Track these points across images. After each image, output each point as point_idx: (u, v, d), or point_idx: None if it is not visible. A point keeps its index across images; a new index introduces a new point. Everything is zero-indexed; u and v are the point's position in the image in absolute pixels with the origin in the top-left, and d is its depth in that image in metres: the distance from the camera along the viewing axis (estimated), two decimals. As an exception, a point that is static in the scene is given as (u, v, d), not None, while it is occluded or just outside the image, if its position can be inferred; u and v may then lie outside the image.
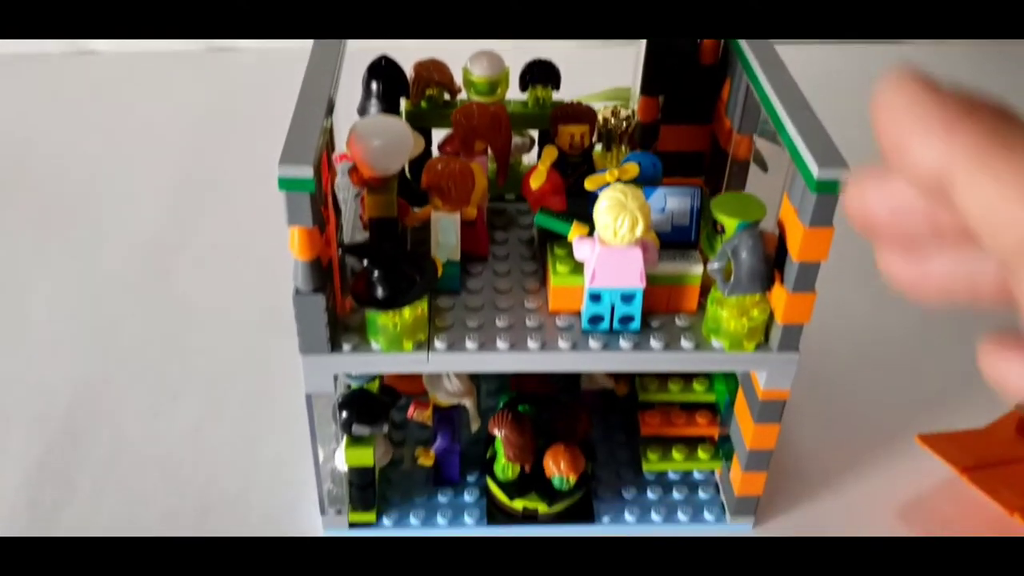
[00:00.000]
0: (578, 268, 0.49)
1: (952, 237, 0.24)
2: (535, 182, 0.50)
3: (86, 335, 0.70)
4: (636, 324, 0.49)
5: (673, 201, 0.49)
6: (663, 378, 0.59)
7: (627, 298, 0.48)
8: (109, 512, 0.57)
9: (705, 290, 0.50)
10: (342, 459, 0.54)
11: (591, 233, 0.47)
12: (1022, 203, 0.20)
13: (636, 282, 0.47)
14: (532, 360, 0.48)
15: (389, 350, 0.47)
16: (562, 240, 0.50)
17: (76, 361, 0.67)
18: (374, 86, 0.52)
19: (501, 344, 0.48)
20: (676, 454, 0.58)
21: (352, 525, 0.55)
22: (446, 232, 0.49)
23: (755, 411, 0.51)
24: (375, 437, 0.53)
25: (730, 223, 0.49)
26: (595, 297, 0.48)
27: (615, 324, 0.49)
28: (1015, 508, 0.56)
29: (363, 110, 0.53)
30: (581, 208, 0.50)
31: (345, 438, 0.52)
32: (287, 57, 1.02)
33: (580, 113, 0.52)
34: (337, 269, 0.48)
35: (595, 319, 0.49)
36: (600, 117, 0.56)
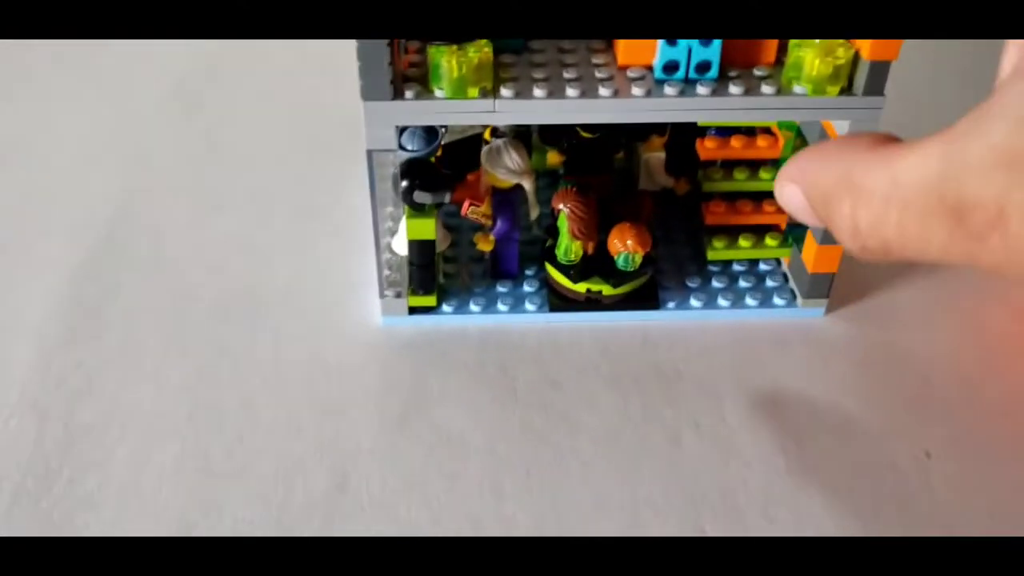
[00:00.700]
0: (650, 15, 0.46)
1: None
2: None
3: (121, 159, 0.68)
4: (714, 71, 0.46)
5: (751, -62, 0.46)
6: (729, 168, 0.57)
7: (705, 40, 0.45)
8: (155, 307, 0.55)
9: (783, 45, 0.48)
10: (401, 241, 0.52)
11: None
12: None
13: (715, 17, 0.44)
14: (604, 108, 0.46)
15: (453, 97, 0.45)
16: (630, -8, 0.47)
17: (113, 180, 0.66)
18: None
19: (571, 92, 0.45)
20: (743, 241, 0.56)
21: (412, 311, 0.53)
22: (509, -20, 0.46)
23: (834, 172, 0.49)
24: (436, 211, 0.50)
25: (814, -45, 0.46)
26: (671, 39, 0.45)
27: (691, 72, 0.46)
28: None
29: None
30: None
31: (406, 211, 0.50)
32: None
33: None
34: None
35: (670, 66, 0.46)
36: None
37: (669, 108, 0.46)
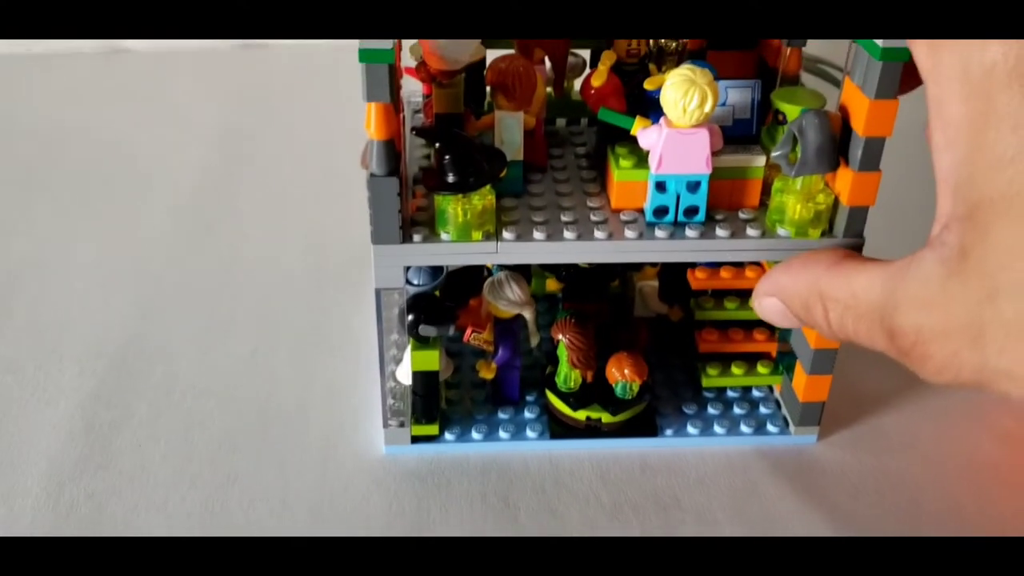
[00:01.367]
0: (641, 163, 0.49)
1: None
2: (596, 80, 0.51)
3: (133, 284, 0.70)
4: (701, 215, 0.49)
5: (734, 94, 0.50)
6: (719, 297, 0.59)
7: (693, 187, 0.48)
8: (167, 434, 0.57)
9: (766, 187, 0.51)
10: (405, 371, 0.54)
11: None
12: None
13: (703, 167, 0.47)
14: (599, 249, 0.48)
15: (459, 240, 0.48)
16: (623, 140, 0.51)
17: (126, 305, 0.68)
18: None
19: (568, 234, 0.48)
20: (736, 369, 0.58)
21: (415, 440, 0.55)
22: (510, 130, 0.50)
23: (819, 307, 0.51)
24: (439, 342, 0.53)
25: (792, 110, 0.49)
26: (660, 186, 0.48)
27: (680, 216, 0.49)
28: None
29: (423, 24, 0.54)
30: (640, 112, 0.50)
31: (410, 343, 0.52)
32: (317, 53, 1.09)
33: (637, 19, 0.53)
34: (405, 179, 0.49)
35: (660, 211, 0.49)
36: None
37: (660, 250, 0.49)
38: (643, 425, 0.56)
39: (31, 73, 1.05)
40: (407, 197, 0.49)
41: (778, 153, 0.47)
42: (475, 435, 0.56)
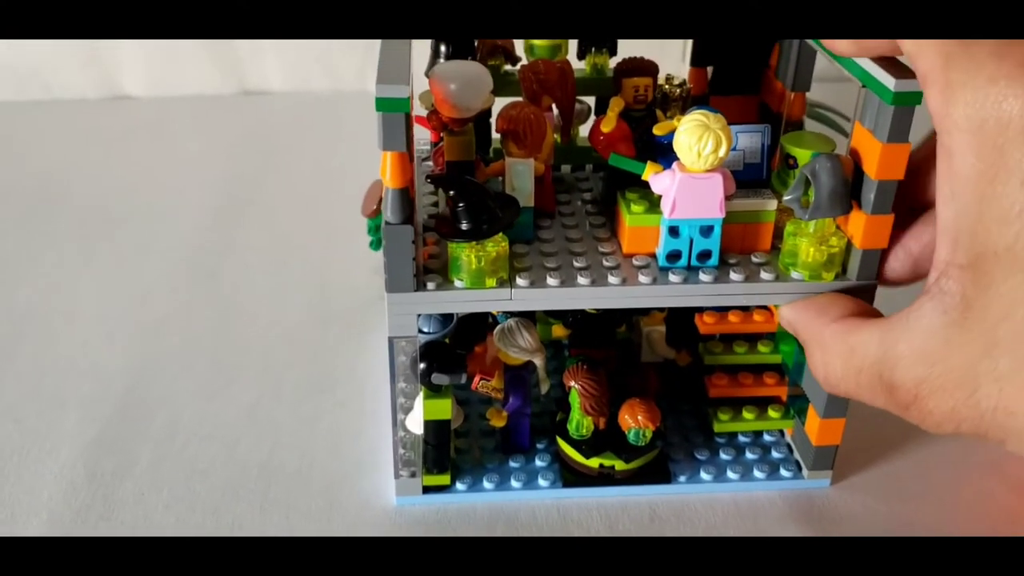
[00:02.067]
0: (653, 208, 0.50)
1: None
2: (606, 126, 0.51)
3: (136, 331, 0.70)
4: (714, 259, 0.49)
5: (744, 139, 0.50)
6: (728, 341, 0.59)
7: (706, 231, 0.48)
8: (169, 483, 0.56)
9: (778, 231, 0.51)
10: (416, 420, 0.53)
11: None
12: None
13: (716, 212, 0.47)
14: (613, 295, 0.48)
15: (472, 287, 0.47)
16: (633, 186, 0.51)
17: (128, 352, 0.67)
18: (443, 49, 0.54)
19: (582, 280, 0.48)
20: (747, 414, 0.58)
21: (426, 490, 0.54)
22: (521, 177, 0.50)
23: (832, 350, 0.51)
24: (451, 390, 0.52)
25: (803, 154, 0.50)
26: (673, 231, 0.48)
27: (692, 260, 0.49)
28: None
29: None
30: (648, 157, 0.51)
31: (422, 392, 0.51)
32: (319, 100, 1.10)
33: (644, 66, 0.54)
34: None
35: (673, 255, 0.49)
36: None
37: (675, 295, 0.49)
38: (656, 472, 0.56)
39: (34, 120, 1.05)
40: (419, 245, 0.49)
41: (790, 197, 0.47)
42: (487, 484, 0.55)
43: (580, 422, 0.54)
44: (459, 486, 0.55)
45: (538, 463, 0.56)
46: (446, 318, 0.54)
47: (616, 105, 0.52)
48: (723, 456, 0.57)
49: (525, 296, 0.48)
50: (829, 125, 0.66)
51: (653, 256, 0.50)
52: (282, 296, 0.74)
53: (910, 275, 0.48)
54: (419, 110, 0.52)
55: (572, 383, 0.54)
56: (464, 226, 0.46)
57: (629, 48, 0.58)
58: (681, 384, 0.62)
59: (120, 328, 0.70)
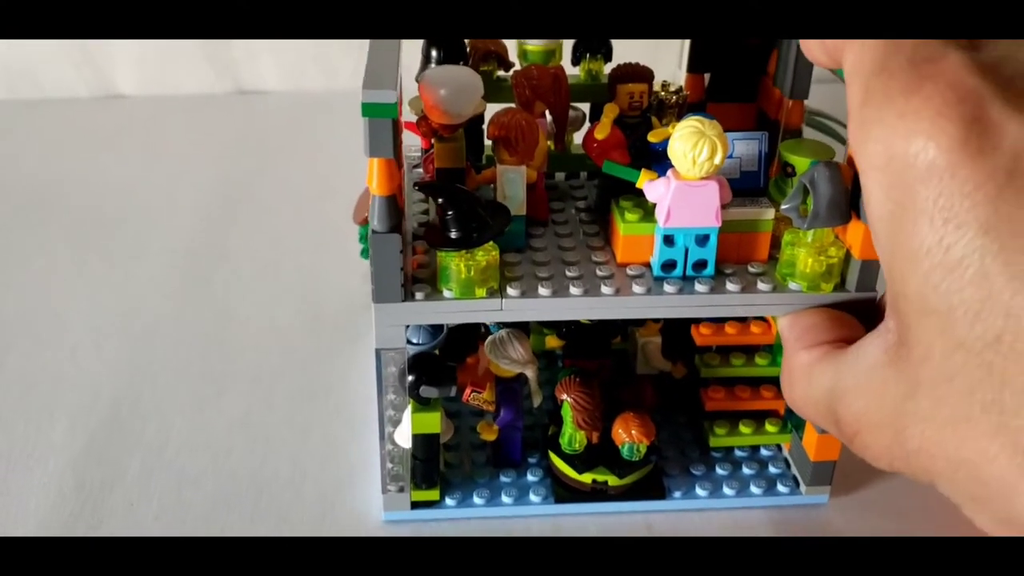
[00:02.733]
0: (647, 216, 0.48)
1: None
2: (600, 133, 0.50)
3: (127, 337, 0.69)
4: (710, 270, 0.48)
5: (741, 147, 0.49)
6: (725, 353, 0.58)
7: (701, 240, 0.47)
8: (159, 493, 0.55)
9: (775, 241, 0.50)
10: (405, 434, 0.52)
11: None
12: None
13: (712, 220, 0.46)
14: (607, 305, 0.47)
15: (462, 297, 0.46)
16: (626, 193, 0.50)
17: (118, 359, 0.66)
18: (434, 53, 0.53)
19: (575, 290, 0.47)
20: (744, 428, 0.57)
21: (415, 505, 0.53)
22: (512, 185, 0.49)
23: (831, 363, 0.50)
24: (440, 403, 0.51)
25: (801, 163, 0.49)
26: (668, 240, 0.47)
27: (688, 270, 0.48)
28: None
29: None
30: (643, 164, 0.50)
31: (411, 405, 0.50)
32: (313, 100, 1.08)
33: (639, 72, 0.53)
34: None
35: (668, 265, 0.48)
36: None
37: (669, 305, 0.47)
38: (650, 487, 0.54)
39: (25, 119, 1.04)
40: (408, 254, 0.48)
41: (788, 206, 0.46)
42: (477, 500, 0.53)
43: (573, 436, 0.53)
44: (448, 501, 0.53)
45: (530, 478, 0.55)
46: (436, 329, 0.53)
47: (611, 112, 0.51)
48: (719, 471, 0.56)
49: (516, 306, 0.47)
50: (828, 133, 0.65)
51: (647, 266, 0.49)
52: (274, 302, 0.73)
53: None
54: (408, 116, 0.51)
55: (564, 396, 0.52)
56: (453, 234, 0.45)
57: (624, 54, 0.57)
58: (676, 397, 0.61)
59: (110, 334, 0.69)
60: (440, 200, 0.45)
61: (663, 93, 0.57)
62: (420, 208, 0.54)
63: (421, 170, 0.57)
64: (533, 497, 0.54)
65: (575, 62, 0.57)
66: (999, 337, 0.33)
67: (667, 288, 0.47)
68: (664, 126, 0.57)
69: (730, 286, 0.47)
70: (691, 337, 0.58)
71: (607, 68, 0.57)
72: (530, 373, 0.53)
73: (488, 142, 0.51)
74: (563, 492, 0.54)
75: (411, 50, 0.54)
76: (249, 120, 1.05)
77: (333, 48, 1.08)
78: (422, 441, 0.51)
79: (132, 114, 1.06)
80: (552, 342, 0.62)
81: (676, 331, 0.59)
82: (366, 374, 0.64)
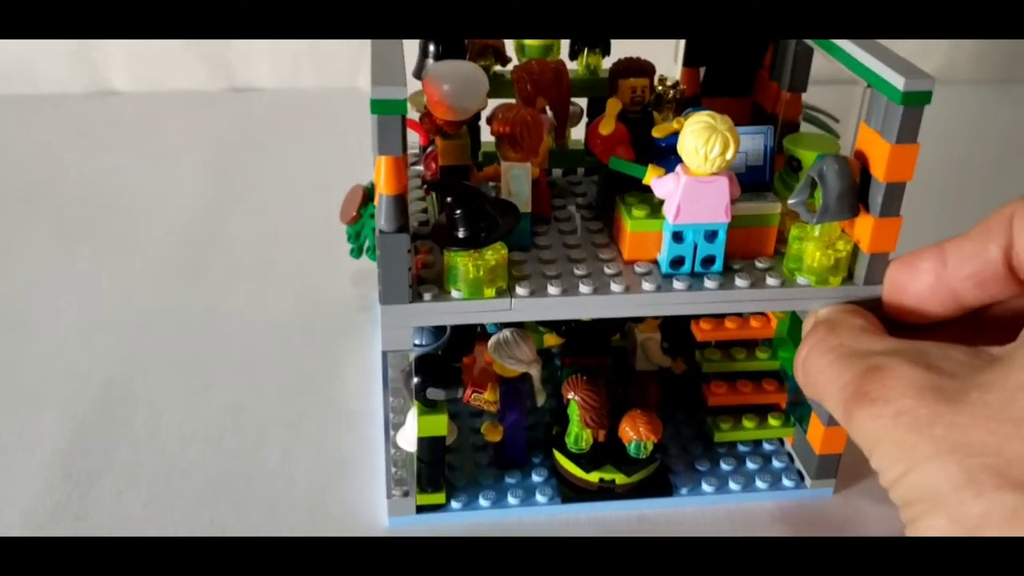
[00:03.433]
0: (654, 212, 0.48)
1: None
2: (605, 129, 0.49)
3: (118, 329, 0.67)
4: (719, 265, 0.48)
5: (747, 141, 0.49)
6: (726, 348, 0.58)
7: (710, 236, 0.47)
8: (148, 483, 0.54)
9: (781, 236, 0.50)
10: (409, 437, 0.51)
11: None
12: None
13: (722, 216, 0.46)
14: (616, 304, 0.46)
15: (470, 297, 0.45)
16: (633, 190, 0.49)
17: (109, 351, 0.65)
18: (431, 48, 0.52)
19: (584, 289, 0.46)
20: (747, 423, 0.57)
21: (420, 509, 0.52)
22: (518, 182, 0.48)
23: (838, 356, 0.50)
24: (445, 406, 0.50)
25: (808, 156, 0.48)
26: (677, 236, 0.47)
27: (697, 266, 0.48)
28: None
29: (419, 74, 0.52)
30: (645, 160, 0.49)
31: (416, 408, 0.49)
32: (307, 97, 1.07)
33: (641, 66, 0.52)
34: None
35: (676, 262, 0.47)
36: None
37: (679, 302, 0.47)
38: (657, 485, 0.54)
39: (18, 115, 1.02)
40: (412, 253, 0.47)
41: (796, 200, 0.46)
42: (483, 502, 0.53)
43: (579, 435, 0.53)
44: (454, 504, 0.52)
45: (535, 478, 0.54)
46: (439, 330, 0.52)
47: (614, 107, 0.50)
48: (724, 466, 0.56)
49: (526, 306, 0.46)
50: (819, 127, 0.65)
51: (655, 262, 0.49)
52: (267, 295, 0.72)
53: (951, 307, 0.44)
54: (409, 113, 0.49)
55: (571, 395, 0.52)
56: (462, 234, 0.44)
57: (622, 48, 0.57)
58: (677, 392, 0.61)
59: (101, 326, 0.68)
60: (449, 199, 0.44)
61: (660, 88, 0.56)
62: (419, 207, 0.53)
63: (420, 168, 0.55)
64: (540, 497, 0.53)
65: (573, 56, 0.57)
66: None
67: (676, 285, 0.47)
68: (662, 120, 0.57)
69: (739, 282, 0.47)
70: (691, 333, 0.57)
71: (606, 62, 0.56)
72: (534, 372, 0.52)
73: (486, 139, 0.50)
74: (569, 492, 0.53)
75: (407, 47, 0.53)
76: (243, 117, 1.04)
77: (327, 46, 1.07)
78: (428, 444, 0.50)
79: (125, 110, 1.04)
80: (550, 340, 0.61)
81: (676, 327, 0.59)
82: (357, 369, 0.64)
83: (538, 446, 0.56)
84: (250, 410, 0.60)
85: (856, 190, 0.45)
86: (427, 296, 0.45)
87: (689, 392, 0.59)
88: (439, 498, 0.52)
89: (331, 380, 0.63)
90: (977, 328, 0.45)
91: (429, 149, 0.52)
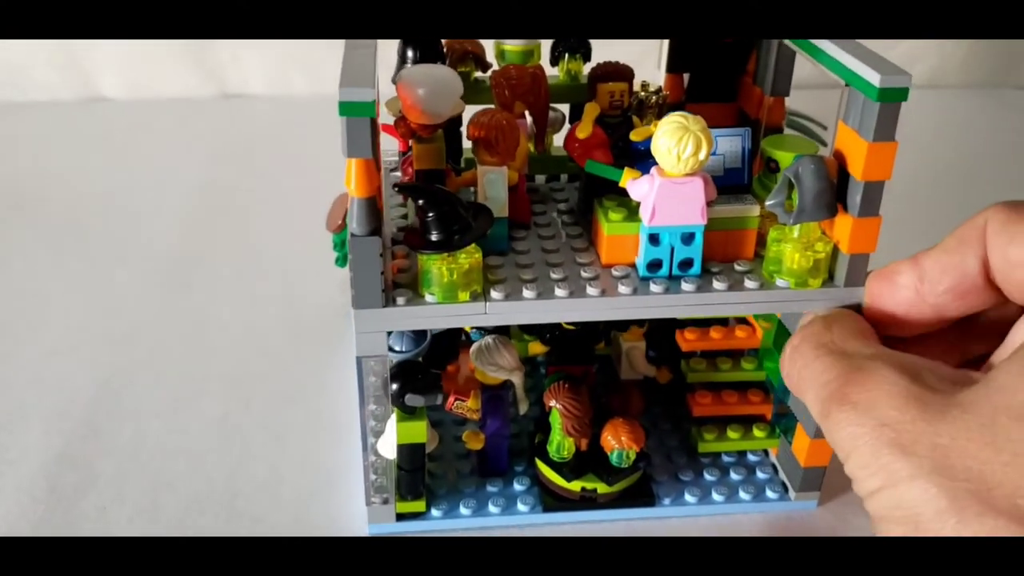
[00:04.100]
0: (631, 215, 0.48)
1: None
2: (582, 132, 0.49)
3: (105, 340, 0.67)
4: (696, 268, 0.47)
5: (724, 143, 0.49)
6: (712, 358, 0.57)
7: (687, 238, 0.46)
8: (133, 496, 0.53)
9: (761, 239, 0.49)
10: (389, 444, 0.51)
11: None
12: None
13: (698, 218, 0.46)
14: (592, 307, 0.46)
15: (445, 301, 0.45)
16: (610, 193, 0.49)
17: (96, 363, 0.65)
18: (410, 54, 0.52)
19: (560, 292, 0.46)
20: (732, 433, 0.56)
21: (400, 517, 0.51)
22: (494, 186, 0.48)
23: (821, 361, 0.49)
24: (425, 412, 0.49)
25: (785, 157, 0.48)
26: (653, 239, 0.46)
27: (674, 269, 0.47)
28: None
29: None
30: (626, 164, 0.49)
31: (395, 414, 0.49)
32: (297, 104, 1.07)
33: (620, 71, 0.52)
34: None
35: (653, 264, 0.47)
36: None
37: (656, 305, 0.46)
38: (639, 494, 0.53)
39: (6, 122, 1.03)
40: (387, 258, 0.47)
41: (773, 201, 0.45)
42: (463, 510, 0.52)
43: (561, 443, 0.52)
44: (434, 512, 0.52)
45: (517, 487, 0.54)
46: (419, 336, 0.51)
47: (592, 111, 0.50)
48: (707, 477, 0.55)
49: (500, 310, 0.45)
50: (806, 134, 0.65)
51: (633, 266, 0.48)
52: (254, 306, 0.72)
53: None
54: (386, 118, 0.49)
55: (553, 403, 0.51)
56: (434, 237, 0.44)
57: (603, 54, 0.57)
58: (662, 401, 0.60)
59: (88, 337, 0.68)
60: (420, 201, 0.44)
61: (643, 93, 0.56)
62: (399, 212, 0.53)
63: (399, 173, 0.55)
64: (521, 506, 0.52)
65: (554, 62, 0.57)
66: None
67: (653, 288, 0.46)
68: (645, 122, 0.56)
69: (717, 284, 0.47)
70: (676, 342, 0.57)
71: (586, 68, 0.56)
72: (516, 380, 0.52)
73: (467, 145, 0.50)
74: (551, 501, 0.53)
75: (387, 52, 0.53)
76: (233, 124, 1.04)
77: (318, 52, 1.07)
78: (408, 451, 0.49)
79: (115, 117, 1.05)
80: (535, 348, 0.61)
81: (661, 336, 0.58)
82: (345, 379, 0.63)
83: (521, 454, 0.56)
84: (236, 422, 0.60)
85: (833, 190, 0.45)
86: (400, 300, 0.45)
87: (673, 401, 0.59)
88: (419, 506, 0.51)
89: (318, 390, 0.63)
90: (965, 335, 0.44)
91: (407, 154, 0.52)
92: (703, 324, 0.57)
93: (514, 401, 0.53)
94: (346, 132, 0.40)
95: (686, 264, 0.47)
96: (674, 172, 0.44)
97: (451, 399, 0.53)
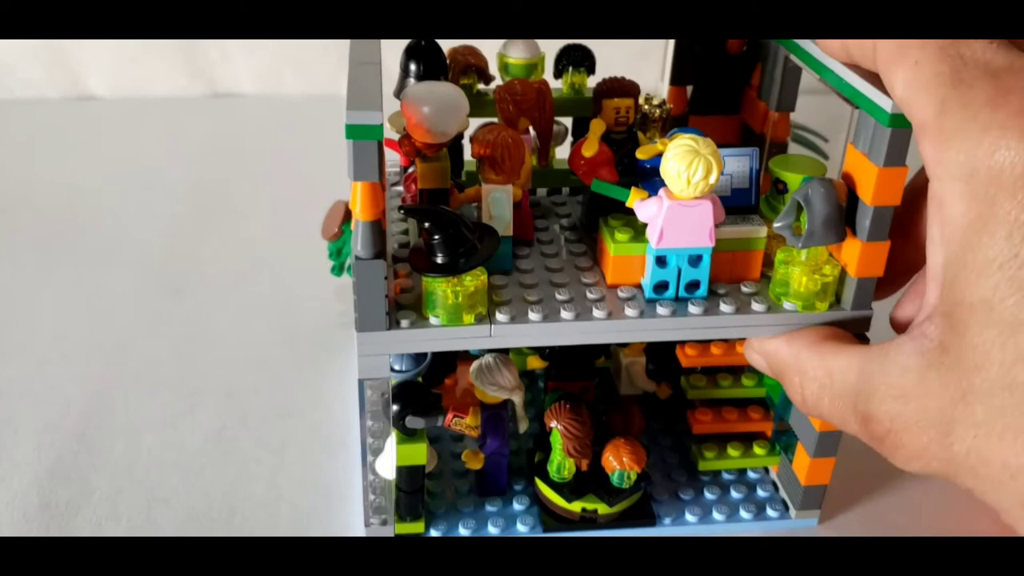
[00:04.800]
0: (638, 236, 0.47)
1: None
2: (588, 150, 0.48)
3: (97, 351, 0.66)
4: (703, 290, 0.47)
5: (732, 163, 0.48)
6: (712, 374, 0.57)
7: (694, 260, 0.46)
8: (128, 512, 0.53)
9: (767, 260, 0.49)
10: (388, 465, 0.50)
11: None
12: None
13: (706, 241, 0.45)
14: (599, 330, 0.45)
15: (449, 324, 0.44)
16: (616, 212, 0.48)
17: (87, 374, 0.63)
18: (412, 67, 0.51)
19: (566, 314, 0.45)
20: (732, 451, 0.56)
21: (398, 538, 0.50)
22: (499, 205, 0.47)
23: (825, 383, 0.49)
24: (425, 433, 0.49)
25: (793, 179, 0.47)
26: (661, 261, 0.46)
27: (680, 291, 0.47)
28: None
29: (399, 93, 0.51)
30: (632, 181, 0.48)
31: (395, 436, 0.48)
32: (289, 104, 1.06)
33: (625, 87, 0.51)
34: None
35: (660, 286, 0.46)
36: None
37: (663, 328, 0.46)
38: (640, 514, 0.53)
39: None
40: (390, 278, 0.46)
41: (781, 224, 0.45)
42: (462, 530, 0.51)
43: (562, 464, 0.51)
44: (433, 533, 0.51)
45: (516, 506, 0.53)
46: (420, 355, 0.51)
47: (597, 128, 0.49)
48: (708, 495, 0.55)
49: (505, 332, 0.45)
50: (807, 146, 0.64)
51: (638, 287, 0.47)
52: (249, 313, 0.71)
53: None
54: (388, 133, 0.48)
55: (555, 423, 0.51)
56: (440, 260, 0.43)
57: (606, 66, 0.56)
58: (662, 417, 0.60)
59: (79, 347, 0.66)
60: (426, 224, 0.43)
61: (646, 107, 0.55)
62: (399, 228, 0.52)
63: (401, 188, 0.54)
64: (520, 527, 0.52)
65: (557, 75, 0.56)
66: None
67: (660, 310, 0.46)
68: (648, 140, 0.56)
69: (724, 307, 0.46)
70: (676, 358, 0.56)
71: (590, 81, 0.56)
72: (517, 399, 0.51)
73: (468, 159, 0.49)
74: (551, 521, 0.52)
75: (389, 64, 0.52)
76: (224, 124, 1.02)
77: (310, 51, 1.05)
78: (407, 473, 0.49)
79: (104, 117, 1.03)
80: (534, 363, 0.60)
81: (661, 351, 0.57)
82: (342, 390, 0.62)
83: (520, 473, 0.55)
84: (232, 436, 0.59)
85: (842, 214, 0.44)
86: (404, 323, 0.44)
87: (673, 418, 0.58)
88: (418, 527, 0.51)
89: (315, 402, 0.62)
90: None
91: (410, 170, 0.51)
92: (704, 340, 0.56)
93: (513, 419, 0.53)
94: (352, 155, 0.39)
95: (692, 286, 0.47)
96: (684, 195, 0.44)
97: (449, 416, 0.52)
